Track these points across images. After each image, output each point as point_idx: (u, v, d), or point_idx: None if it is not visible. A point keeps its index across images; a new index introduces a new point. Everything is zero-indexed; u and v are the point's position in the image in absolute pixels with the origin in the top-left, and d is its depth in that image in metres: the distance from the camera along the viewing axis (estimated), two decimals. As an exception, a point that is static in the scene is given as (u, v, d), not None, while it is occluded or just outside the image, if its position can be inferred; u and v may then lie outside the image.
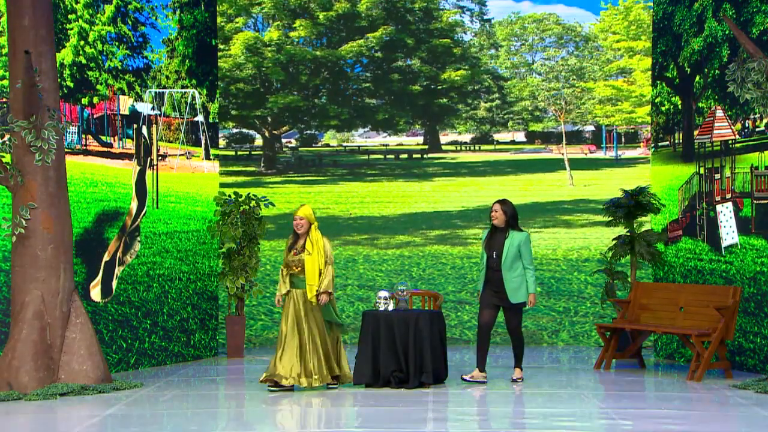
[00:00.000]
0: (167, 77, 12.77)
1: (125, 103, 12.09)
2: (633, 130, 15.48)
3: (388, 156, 15.83)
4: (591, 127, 15.65)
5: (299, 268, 10.06)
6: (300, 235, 10.18)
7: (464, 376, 10.59)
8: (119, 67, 11.99)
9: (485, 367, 10.55)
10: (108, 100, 11.86)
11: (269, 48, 15.62)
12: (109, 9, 11.83)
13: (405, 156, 15.82)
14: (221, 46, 14.99)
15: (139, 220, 12.14)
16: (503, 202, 10.60)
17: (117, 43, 11.96)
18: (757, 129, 11.68)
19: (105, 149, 11.84)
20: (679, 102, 13.19)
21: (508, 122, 15.92)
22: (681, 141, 13.16)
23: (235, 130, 15.77)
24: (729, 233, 11.85)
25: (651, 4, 14.30)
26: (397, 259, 15.01)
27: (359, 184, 15.56)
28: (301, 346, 9.97)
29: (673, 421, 8.46)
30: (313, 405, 9.46)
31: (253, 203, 13.10)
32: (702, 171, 12.51)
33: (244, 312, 13.40)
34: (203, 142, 13.42)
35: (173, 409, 9.22)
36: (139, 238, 12.12)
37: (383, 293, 10.73)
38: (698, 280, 12.29)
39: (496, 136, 15.97)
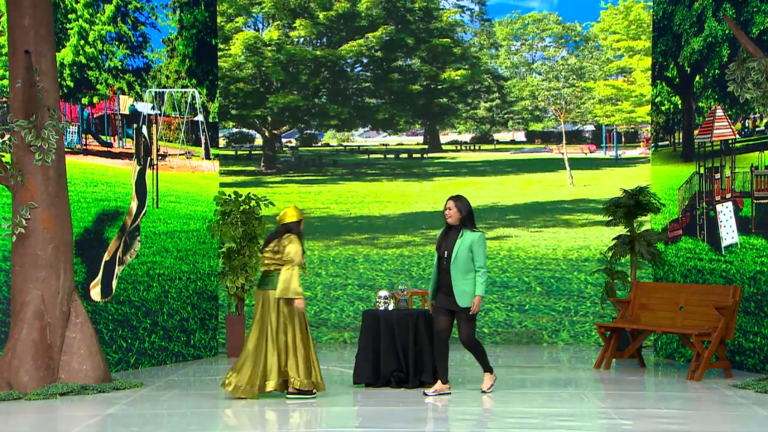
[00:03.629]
0: (167, 77, 12.77)
1: (125, 103, 12.09)
2: (633, 130, 15.47)
3: (388, 156, 15.82)
4: (591, 127, 15.64)
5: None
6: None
7: (426, 391, 9.71)
8: (119, 67, 11.99)
9: (448, 377, 9.79)
10: (108, 99, 11.85)
11: (269, 48, 15.61)
12: (109, 9, 11.83)
13: (405, 156, 15.81)
14: (221, 46, 14.99)
15: (139, 219, 12.14)
16: (457, 198, 9.77)
17: (117, 43, 11.96)
18: (757, 129, 11.68)
19: (105, 149, 11.84)
20: (679, 102, 13.19)
21: (508, 122, 15.91)
22: (681, 141, 13.16)
23: (235, 130, 15.76)
24: (729, 233, 11.85)
25: (651, 3, 14.29)
26: (397, 258, 15.00)
27: (359, 183, 15.55)
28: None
29: (673, 421, 8.46)
30: (313, 405, 9.45)
31: (253, 203, 13.10)
32: (702, 171, 12.51)
33: (244, 312, 13.38)
34: (203, 141, 13.42)
35: (173, 409, 9.22)
36: (139, 238, 12.11)
37: (383, 293, 10.73)
38: (698, 280, 12.29)
39: (496, 136, 15.96)
